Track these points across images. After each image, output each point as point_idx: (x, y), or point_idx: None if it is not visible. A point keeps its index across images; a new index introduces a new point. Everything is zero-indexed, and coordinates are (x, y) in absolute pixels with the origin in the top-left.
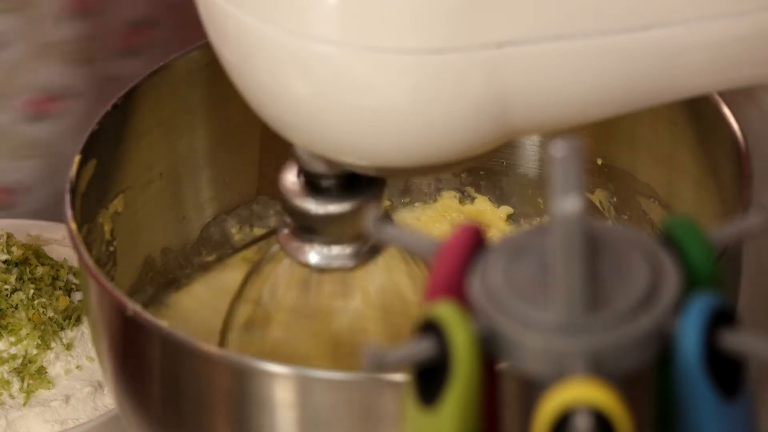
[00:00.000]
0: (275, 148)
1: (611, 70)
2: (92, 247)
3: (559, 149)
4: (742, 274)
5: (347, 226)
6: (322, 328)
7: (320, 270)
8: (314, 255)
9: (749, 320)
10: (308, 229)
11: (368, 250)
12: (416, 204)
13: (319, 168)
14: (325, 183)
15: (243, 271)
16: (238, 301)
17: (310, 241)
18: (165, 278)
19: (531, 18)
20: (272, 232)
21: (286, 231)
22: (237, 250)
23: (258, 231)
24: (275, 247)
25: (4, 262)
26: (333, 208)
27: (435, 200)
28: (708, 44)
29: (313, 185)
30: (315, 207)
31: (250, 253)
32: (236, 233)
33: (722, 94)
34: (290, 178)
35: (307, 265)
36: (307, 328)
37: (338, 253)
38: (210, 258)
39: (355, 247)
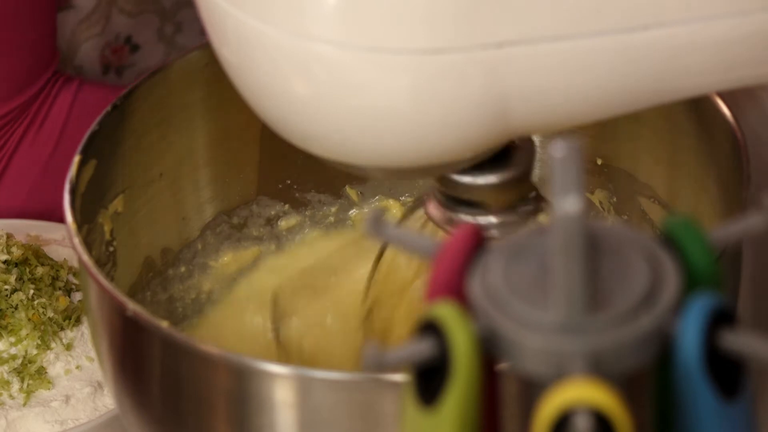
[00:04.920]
0: (275, 148)
1: (611, 70)
2: (92, 247)
3: (559, 149)
4: (742, 274)
5: (498, 197)
6: None
7: None
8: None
9: (749, 320)
10: (458, 199)
11: (518, 220)
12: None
13: None
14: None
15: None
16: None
17: (460, 211)
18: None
19: (531, 18)
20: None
21: (434, 202)
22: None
23: (256, 231)
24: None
25: (4, 262)
26: (483, 179)
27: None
28: (708, 44)
29: None
30: (467, 178)
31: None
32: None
33: (722, 94)
34: None
35: None
36: None
37: (488, 222)
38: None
39: (504, 217)
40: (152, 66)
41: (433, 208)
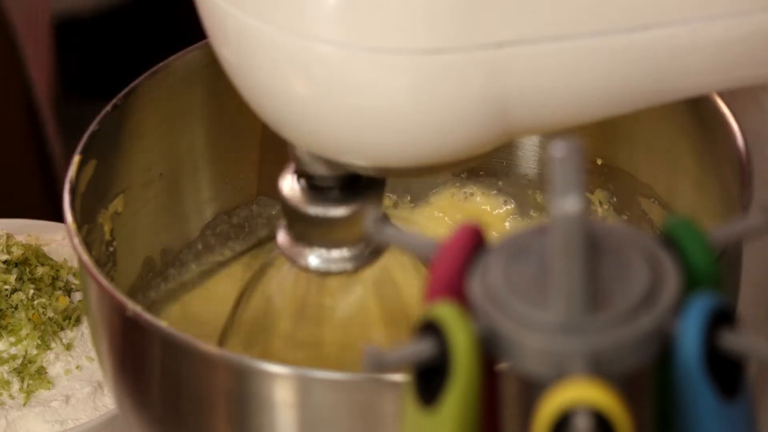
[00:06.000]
0: (275, 148)
1: (611, 70)
2: (92, 247)
3: (559, 149)
4: (743, 274)
5: (348, 230)
6: (322, 334)
7: (320, 274)
8: (314, 258)
9: (750, 320)
10: (308, 232)
11: (369, 253)
12: (416, 204)
13: (319, 170)
14: (325, 186)
15: (239, 278)
16: (239, 307)
17: (310, 244)
18: (164, 281)
19: (531, 18)
20: (269, 239)
21: (284, 235)
22: (233, 257)
23: (260, 232)
24: (275, 252)
25: (4, 262)
26: (333, 211)
27: (434, 200)
28: (708, 44)
29: (312, 188)
30: (314, 210)
31: (246, 259)
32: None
33: (722, 94)
34: (289, 180)
35: (307, 269)
36: (309, 334)
37: (338, 256)
38: (209, 261)
39: (356, 250)
40: None
41: (283, 240)
